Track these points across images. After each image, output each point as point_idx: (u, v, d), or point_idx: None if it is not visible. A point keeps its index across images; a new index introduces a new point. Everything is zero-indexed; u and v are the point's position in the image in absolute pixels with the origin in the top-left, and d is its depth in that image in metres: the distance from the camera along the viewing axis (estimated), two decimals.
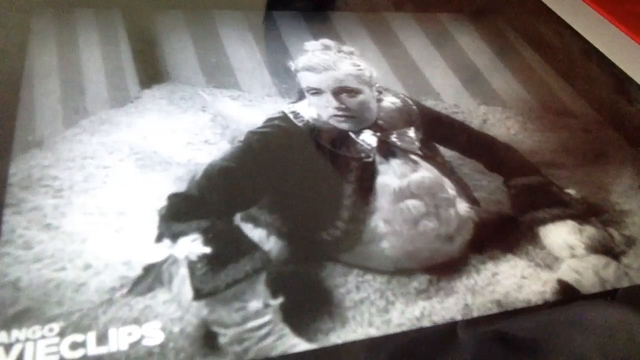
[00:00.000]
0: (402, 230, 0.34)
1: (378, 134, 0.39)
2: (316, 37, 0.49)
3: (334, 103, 0.40)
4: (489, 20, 0.59)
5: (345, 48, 0.46)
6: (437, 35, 0.55)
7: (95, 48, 0.43)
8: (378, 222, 0.34)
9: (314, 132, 0.39)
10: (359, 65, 0.44)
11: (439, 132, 0.42)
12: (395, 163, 0.37)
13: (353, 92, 0.41)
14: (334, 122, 0.40)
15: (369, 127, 0.40)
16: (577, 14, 0.64)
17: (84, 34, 0.44)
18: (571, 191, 0.40)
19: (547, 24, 0.62)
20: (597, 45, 0.59)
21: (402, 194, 0.35)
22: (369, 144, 0.38)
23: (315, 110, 0.40)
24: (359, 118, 0.40)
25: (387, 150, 0.38)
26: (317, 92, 0.41)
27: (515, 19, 0.61)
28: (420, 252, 0.33)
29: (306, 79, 0.42)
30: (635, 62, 0.57)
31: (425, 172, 0.37)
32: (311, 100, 0.41)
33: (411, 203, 0.35)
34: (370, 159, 0.37)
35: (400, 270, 0.32)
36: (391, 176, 0.36)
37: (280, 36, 0.49)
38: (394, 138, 0.39)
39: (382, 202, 0.35)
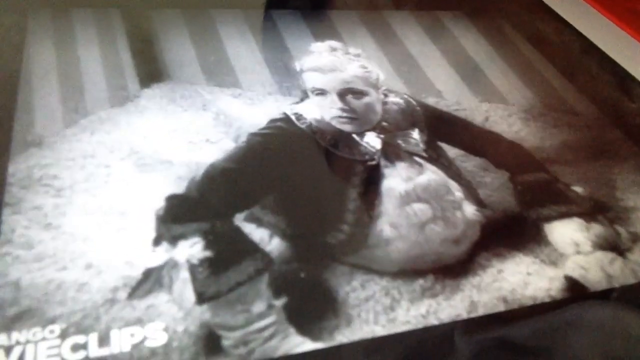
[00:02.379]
0: (408, 234, 0.33)
1: (382, 135, 0.39)
2: (316, 35, 0.48)
3: (339, 104, 0.40)
4: (489, 18, 0.59)
5: (352, 50, 0.46)
6: (437, 33, 0.55)
7: (94, 47, 0.42)
8: (384, 227, 0.33)
9: (316, 134, 0.38)
10: (366, 68, 0.44)
11: (442, 131, 0.42)
12: (401, 166, 0.37)
13: (359, 94, 0.41)
14: (336, 124, 0.39)
15: (373, 129, 0.39)
16: (576, 11, 0.64)
17: (82, 33, 0.44)
18: (577, 188, 0.39)
19: (547, 22, 0.62)
20: (597, 43, 0.59)
21: (408, 198, 0.35)
22: (373, 146, 0.38)
23: (318, 111, 0.40)
24: (362, 120, 0.40)
25: (392, 152, 0.38)
26: (322, 92, 0.41)
27: (515, 17, 0.61)
28: (427, 255, 0.33)
29: (312, 80, 0.42)
30: (635, 60, 0.57)
31: (432, 175, 0.37)
32: (315, 101, 0.41)
33: (417, 207, 0.34)
34: (374, 162, 0.37)
35: (404, 271, 0.31)
36: (397, 179, 0.36)
37: (279, 35, 0.49)
38: (399, 140, 0.38)
39: (388, 206, 0.34)
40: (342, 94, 0.40)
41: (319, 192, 0.35)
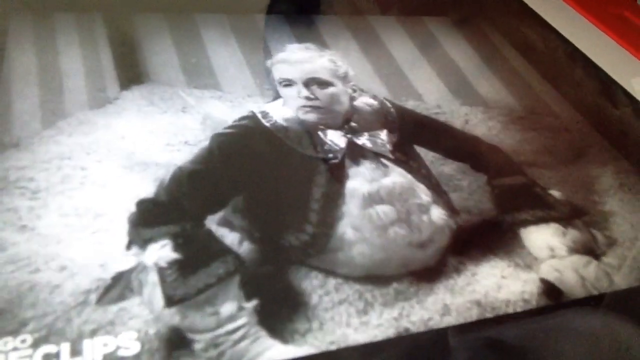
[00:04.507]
0: (371, 237, 0.33)
1: (349, 135, 0.38)
2: (300, 39, 0.49)
3: (304, 92, 0.40)
4: (474, 24, 0.60)
5: (328, 52, 0.46)
6: (421, 38, 0.55)
7: (74, 51, 0.42)
8: (346, 229, 0.33)
9: (280, 132, 0.38)
10: (335, 62, 0.43)
11: (421, 135, 0.42)
12: (366, 167, 0.37)
13: (324, 84, 0.41)
14: (301, 114, 0.39)
15: (340, 128, 0.39)
16: (563, 17, 0.64)
17: (63, 37, 0.44)
18: (555, 192, 0.40)
19: (532, 27, 0.62)
20: (582, 49, 0.59)
21: (371, 200, 0.35)
22: (337, 145, 0.38)
23: (285, 105, 0.40)
24: (326, 109, 0.40)
25: (358, 153, 0.37)
26: (289, 83, 0.41)
27: (500, 22, 0.61)
28: (392, 260, 0.33)
29: (279, 71, 0.42)
30: (620, 66, 0.57)
31: (397, 177, 0.36)
32: (283, 93, 0.41)
33: (381, 209, 0.34)
34: (336, 160, 0.37)
35: (372, 277, 0.31)
36: (361, 181, 0.36)
37: (263, 39, 0.49)
38: (364, 140, 0.38)
39: (351, 207, 0.34)
40: (308, 84, 0.40)
41: (284, 192, 0.35)
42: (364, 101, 0.42)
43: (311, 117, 0.39)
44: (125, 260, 0.29)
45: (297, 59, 0.43)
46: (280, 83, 0.41)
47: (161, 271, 0.29)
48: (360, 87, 0.43)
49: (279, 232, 0.33)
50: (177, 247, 0.30)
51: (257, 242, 0.32)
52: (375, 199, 0.35)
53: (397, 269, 0.32)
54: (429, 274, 0.32)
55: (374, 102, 0.42)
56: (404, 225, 0.34)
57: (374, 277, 0.31)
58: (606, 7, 0.66)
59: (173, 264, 0.29)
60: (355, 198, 0.35)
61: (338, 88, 0.41)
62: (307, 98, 0.40)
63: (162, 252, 0.30)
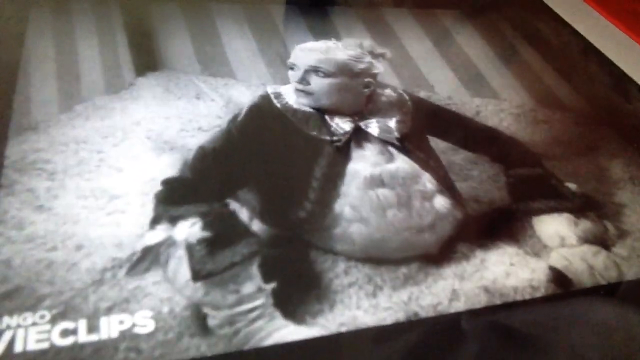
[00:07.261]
0: (369, 217, 0.33)
1: (356, 117, 0.39)
2: (312, 30, 0.49)
3: (299, 76, 0.39)
4: (487, 17, 0.60)
5: (379, 50, 0.43)
6: (434, 31, 0.55)
7: (92, 38, 0.43)
8: (344, 207, 0.34)
9: (289, 112, 0.38)
10: (358, 58, 0.41)
11: (437, 126, 0.42)
12: (371, 152, 0.37)
13: (324, 74, 0.39)
14: (297, 97, 0.39)
15: (350, 115, 0.39)
16: (576, 12, 0.64)
17: (81, 24, 0.44)
18: (571, 185, 0.40)
19: (546, 22, 0.62)
20: (595, 44, 0.59)
21: (372, 182, 0.35)
22: (342, 128, 0.38)
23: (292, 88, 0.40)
24: (316, 96, 0.39)
25: (364, 138, 0.38)
26: (292, 67, 0.40)
27: (514, 16, 0.61)
28: (390, 241, 0.33)
29: (292, 56, 0.41)
30: (633, 61, 0.57)
31: (402, 164, 0.37)
32: (289, 75, 0.40)
33: (381, 192, 0.35)
34: (340, 143, 0.37)
35: (376, 259, 0.32)
36: (363, 163, 0.36)
37: (277, 29, 0.49)
38: (371, 126, 0.38)
39: (352, 188, 0.35)
40: (308, 70, 0.40)
41: (289, 170, 0.36)
42: (382, 92, 0.42)
43: (303, 101, 0.39)
44: (153, 234, 0.30)
45: (312, 46, 0.42)
46: (289, 67, 0.41)
47: (190, 247, 0.30)
48: (376, 82, 0.42)
49: (279, 208, 0.33)
50: (206, 226, 0.31)
51: (264, 219, 0.33)
52: (376, 182, 0.35)
53: (396, 252, 0.33)
54: (434, 260, 0.33)
55: (392, 94, 0.42)
56: (404, 210, 0.34)
57: (380, 260, 0.32)
58: (620, 2, 0.66)
59: (202, 241, 0.30)
60: (356, 179, 0.35)
61: (338, 82, 0.40)
62: (299, 82, 0.39)
63: (192, 229, 0.31)
